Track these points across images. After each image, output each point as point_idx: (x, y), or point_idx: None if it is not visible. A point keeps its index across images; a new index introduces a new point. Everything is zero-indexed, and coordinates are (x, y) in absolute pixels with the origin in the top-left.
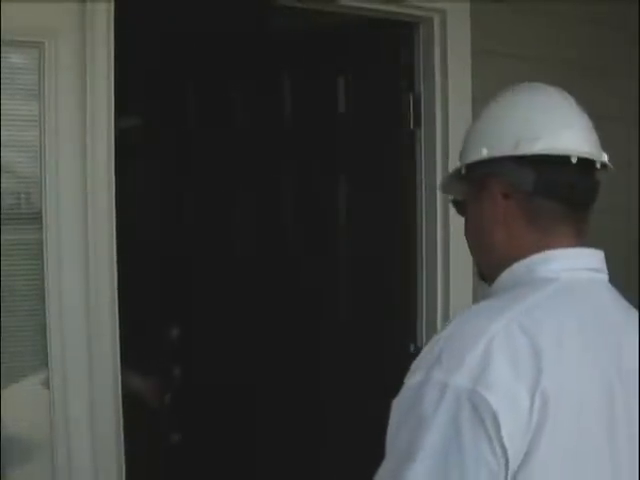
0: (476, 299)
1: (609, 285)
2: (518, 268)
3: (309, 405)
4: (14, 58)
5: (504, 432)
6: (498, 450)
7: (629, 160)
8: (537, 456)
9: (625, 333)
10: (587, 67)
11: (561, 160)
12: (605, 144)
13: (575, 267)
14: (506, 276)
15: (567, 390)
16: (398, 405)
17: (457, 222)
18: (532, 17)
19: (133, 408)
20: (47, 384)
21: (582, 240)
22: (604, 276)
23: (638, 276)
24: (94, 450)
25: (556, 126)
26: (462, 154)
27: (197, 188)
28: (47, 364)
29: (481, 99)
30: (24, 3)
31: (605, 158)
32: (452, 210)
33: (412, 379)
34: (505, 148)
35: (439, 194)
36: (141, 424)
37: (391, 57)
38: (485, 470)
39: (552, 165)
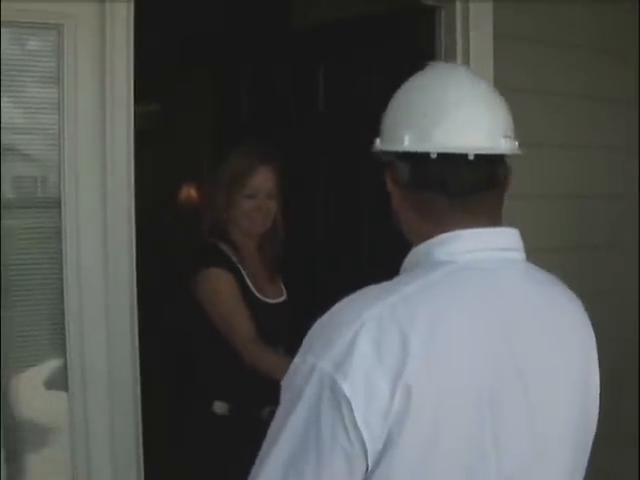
0: None
1: (526, 264)
2: (418, 250)
3: None
4: (33, 42)
5: (358, 417)
6: (353, 434)
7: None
8: (398, 446)
9: (535, 317)
10: (602, 51)
11: (428, 155)
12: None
13: (476, 248)
14: (409, 257)
15: (436, 385)
16: (282, 385)
17: None
18: (555, 4)
19: None
20: (65, 368)
21: (486, 222)
22: (515, 254)
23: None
24: (112, 433)
25: (427, 121)
26: None
27: None
28: (65, 348)
29: (503, 83)
30: None
31: (499, 146)
32: None
33: (294, 361)
34: (386, 143)
35: None
36: None
37: (412, 41)
38: (340, 452)
39: (421, 160)
